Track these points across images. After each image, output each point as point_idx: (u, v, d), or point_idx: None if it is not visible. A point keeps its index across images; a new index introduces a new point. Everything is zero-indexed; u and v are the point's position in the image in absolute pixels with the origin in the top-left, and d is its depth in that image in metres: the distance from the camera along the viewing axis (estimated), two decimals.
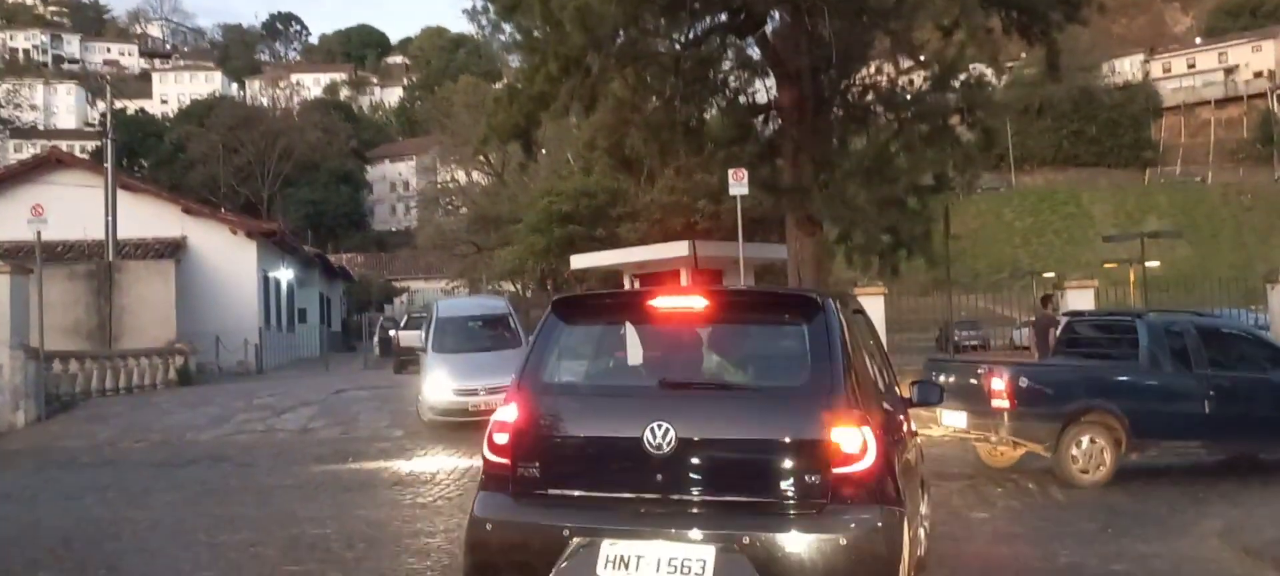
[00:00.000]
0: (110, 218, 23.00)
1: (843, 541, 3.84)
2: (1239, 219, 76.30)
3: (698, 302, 4.49)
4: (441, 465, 11.11)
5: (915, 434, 5.55)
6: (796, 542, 3.84)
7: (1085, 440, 9.01)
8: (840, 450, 3.93)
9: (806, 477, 3.93)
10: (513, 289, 40.13)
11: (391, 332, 28.37)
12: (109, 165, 24.22)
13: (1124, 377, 9.46)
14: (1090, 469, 9.00)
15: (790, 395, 4.22)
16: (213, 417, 15.30)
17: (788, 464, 3.98)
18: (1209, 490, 8.91)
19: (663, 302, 4.53)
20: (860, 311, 5.44)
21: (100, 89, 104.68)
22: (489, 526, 4.22)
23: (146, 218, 27.08)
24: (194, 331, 24.93)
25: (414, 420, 14.29)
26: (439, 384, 13.62)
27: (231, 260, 28.19)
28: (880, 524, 3.95)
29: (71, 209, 25.16)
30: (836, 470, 3.92)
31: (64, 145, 43.75)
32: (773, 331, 4.58)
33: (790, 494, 3.95)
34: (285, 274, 33.45)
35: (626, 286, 22.23)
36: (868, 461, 3.95)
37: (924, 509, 5.47)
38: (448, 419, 13.49)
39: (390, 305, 58.50)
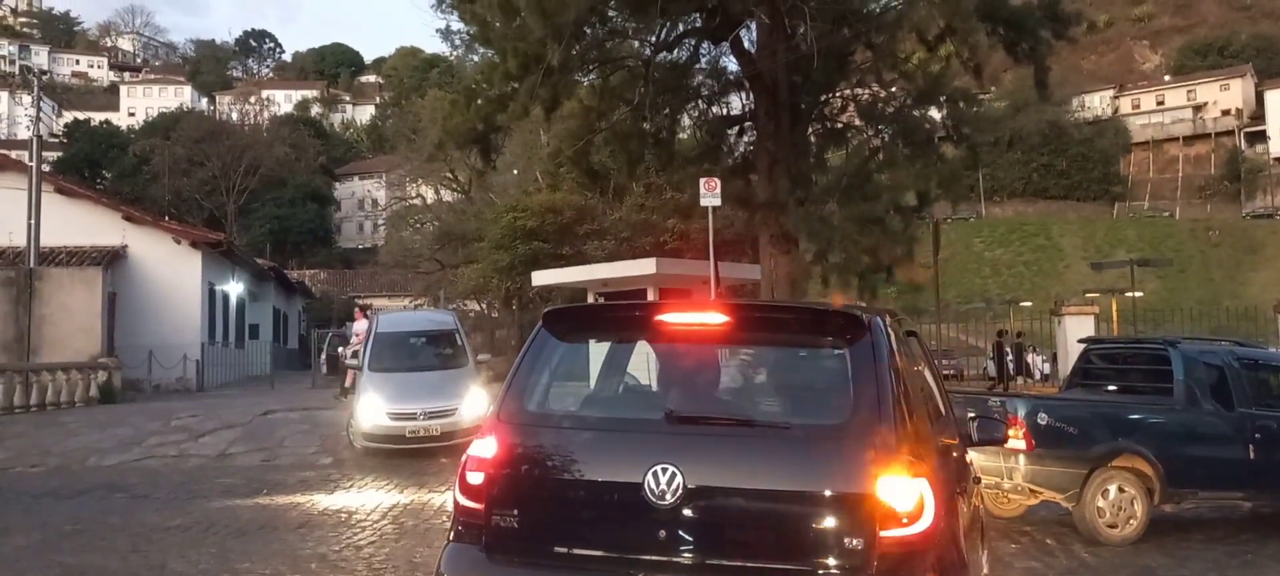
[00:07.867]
0: (33, 221, 21.32)
1: None
2: (1206, 254, 76.51)
3: (717, 318, 3.72)
4: (365, 502, 9.64)
5: (979, 479, 4.69)
6: None
7: (1113, 489, 7.70)
8: (890, 507, 3.18)
9: (846, 542, 3.19)
10: (478, 308, 38.79)
11: (340, 349, 26.69)
12: (35, 162, 22.58)
13: (1157, 416, 8.14)
14: (1119, 523, 7.69)
15: (828, 436, 3.41)
16: (123, 440, 13.72)
17: (823, 523, 3.23)
18: (1257, 550, 7.67)
19: (674, 318, 3.78)
20: (913, 333, 4.54)
21: (65, 100, 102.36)
22: None
23: (85, 224, 25.44)
24: (129, 345, 23.34)
25: (347, 447, 12.84)
26: (372, 407, 12.11)
27: (174, 271, 26.49)
28: None
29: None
30: (885, 533, 3.17)
31: (26, 157, 41.26)
32: (808, 356, 3.85)
33: (825, 562, 3.20)
34: (235, 287, 31.80)
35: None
36: (925, 522, 3.19)
37: (985, 567, 4.61)
38: (382, 446, 12.04)
39: (351, 322, 56.71)
